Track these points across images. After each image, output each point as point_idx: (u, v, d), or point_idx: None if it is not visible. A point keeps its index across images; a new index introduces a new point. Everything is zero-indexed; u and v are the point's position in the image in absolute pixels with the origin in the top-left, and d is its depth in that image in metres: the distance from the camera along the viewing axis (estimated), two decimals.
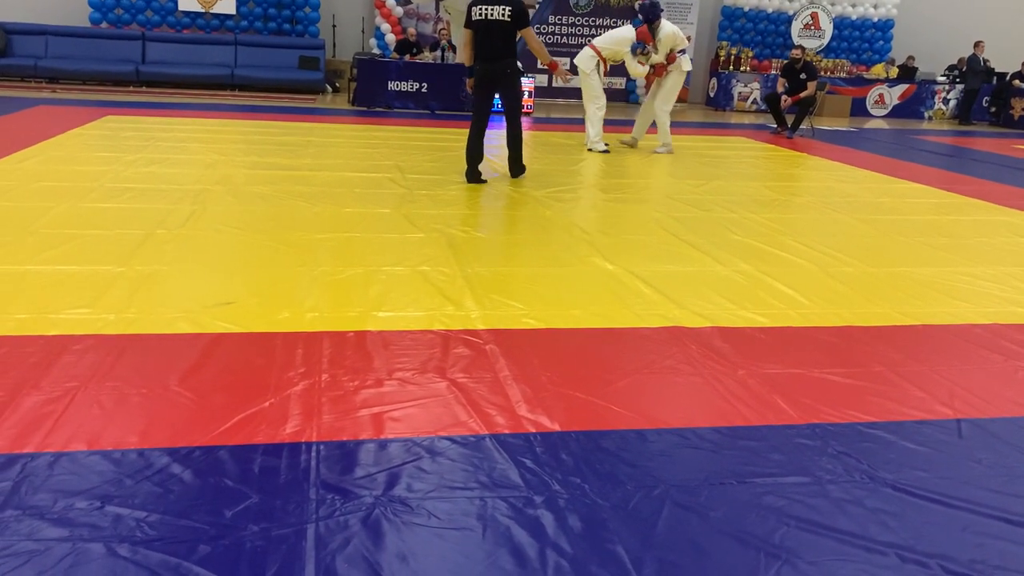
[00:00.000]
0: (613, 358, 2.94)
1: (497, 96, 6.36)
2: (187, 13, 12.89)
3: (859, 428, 2.49)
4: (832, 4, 15.41)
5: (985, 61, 14.45)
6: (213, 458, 2.11)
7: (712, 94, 15.15)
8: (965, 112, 14.81)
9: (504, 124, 6.43)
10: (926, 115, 15.30)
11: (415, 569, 1.73)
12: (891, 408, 2.65)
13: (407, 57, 11.95)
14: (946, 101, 15.29)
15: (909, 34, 15.81)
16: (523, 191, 6.01)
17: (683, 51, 8.34)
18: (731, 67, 14.87)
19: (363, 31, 13.85)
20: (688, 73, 8.68)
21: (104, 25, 12.60)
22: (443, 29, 12.64)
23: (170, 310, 3.16)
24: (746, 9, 15.20)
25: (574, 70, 8.39)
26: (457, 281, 3.71)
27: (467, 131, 6.32)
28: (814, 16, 15.27)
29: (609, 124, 8.96)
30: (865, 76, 15.26)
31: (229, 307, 3.22)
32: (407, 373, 2.70)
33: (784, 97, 10.50)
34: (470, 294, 3.54)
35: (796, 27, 15.30)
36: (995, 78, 14.99)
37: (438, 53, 12.21)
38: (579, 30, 14.35)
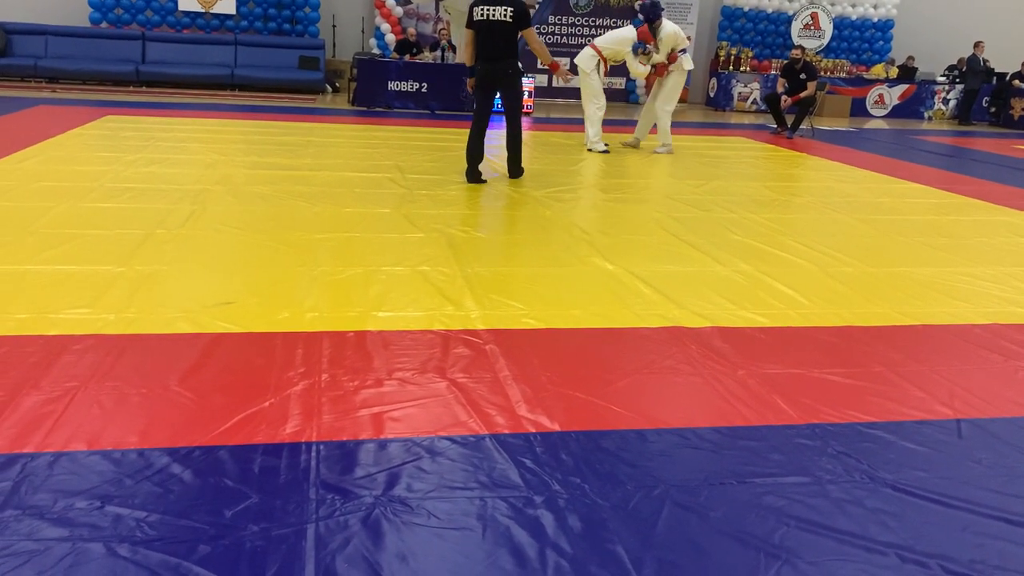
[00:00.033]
0: (613, 358, 2.94)
1: (498, 96, 6.37)
2: (187, 13, 12.89)
3: (859, 428, 2.49)
4: (832, 4, 15.41)
5: (985, 61, 14.46)
6: (213, 458, 2.11)
7: (712, 94, 15.15)
8: (965, 112, 14.81)
9: (504, 124, 6.43)
10: (926, 115, 15.30)
11: (415, 569, 1.73)
12: (891, 408, 2.65)
13: (407, 57, 11.95)
14: (946, 101, 15.29)
15: (909, 34, 15.81)
16: (523, 191, 6.01)
17: (684, 50, 8.34)
18: (731, 67, 14.87)
19: (363, 31, 13.85)
20: (688, 73, 8.67)
21: (104, 25, 12.60)
22: (443, 29, 12.64)
23: (170, 310, 3.16)
24: (746, 9, 15.20)
25: (574, 70, 8.38)
26: (457, 281, 3.71)
27: (467, 131, 6.32)
28: (814, 16, 15.27)
29: (609, 124, 8.96)
30: (865, 76, 15.27)
31: (229, 307, 3.22)
32: (407, 373, 2.70)
33: (784, 97, 10.50)
34: (470, 294, 3.54)
35: (796, 27, 15.30)
36: (995, 78, 14.99)
37: (438, 53, 12.21)
38: (579, 30, 14.36)
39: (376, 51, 13.38)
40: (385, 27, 13.46)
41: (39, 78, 11.91)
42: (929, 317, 3.57)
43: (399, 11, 13.47)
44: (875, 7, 15.62)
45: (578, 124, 9.35)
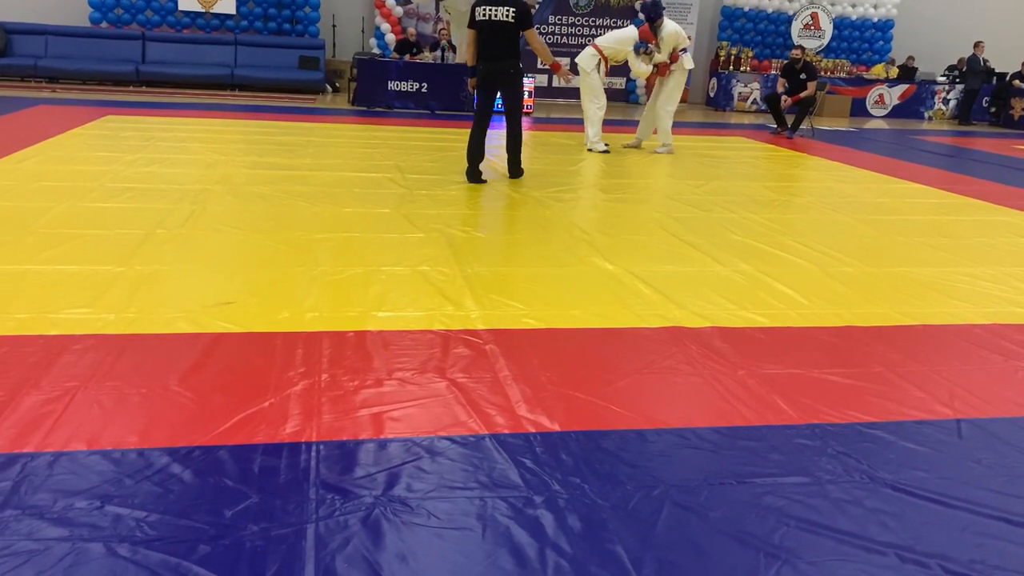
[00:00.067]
0: (613, 358, 2.94)
1: (498, 97, 6.38)
2: (187, 13, 12.89)
3: (859, 428, 2.49)
4: (832, 4, 15.41)
5: (985, 61, 14.46)
6: (213, 458, 2.11)
7: (712, 94, 15.15)
8: (965, 112, 14.81)
9: (504, 124, 6.44)
10: (926, 115, 15.30)
11: (415, 569, 1.73)
12: (891, 408, 2.65)
13: (407, 57, 11.95)
14: (946, 101, 15.29)
15: (909, 34, 15.81)
16: (523, 191, 6.01)
17: (684, 50, 8.33)
18: (731, 67, 14.87)
19: (363, 31, 13.85)
20: (689, 72, 8.67)
21: (104, 25, 12.60)
22: (443, 29, 12.64)
23: (170, 310, 3.16)
24: (746, 9, 15.20)
25: (575, 69, 8.37)
26: (457, 281, 3.71)
27: (467, 131, 6.32)
28: (814, 16, 15.27)
29: (609, 124, 8.95)
30: (865, 76, 15.27)
31: (229, 307, 3.22)
32: (407, 373, 2.70)
33: (784, 97, 10.50)
34: (470, 294, 3.54)
35: (796, 27, 15.30)
36: (995, 78, 14.99)
37: (438, 53, 12.21)
38: (579, 30, 14.37)
39: (376, 51, 13.38)
40: (385, 27, 13.46)
41: (39, 78, 11.91)
42: (929, 317, 3.57)
43: (399, 11, 13.47)
44: (875, 7, 15.62)
45: (578, 124, 9.36)
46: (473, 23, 6.13)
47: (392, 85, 11.41)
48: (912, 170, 8.21)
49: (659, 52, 8.18)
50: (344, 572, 1.70)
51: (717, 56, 15.12)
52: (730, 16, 15.24)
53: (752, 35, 15.38)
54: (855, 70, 15.49)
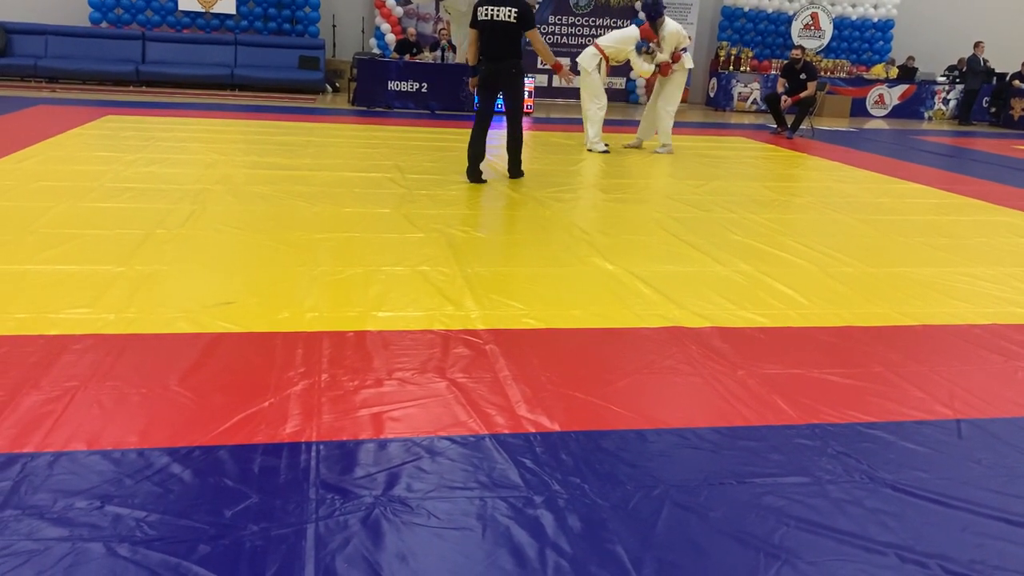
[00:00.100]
0: (613, 358, 2.94)
1: (499, 97, 6.39)
2: (187, 13, 12.89)
3: (859, 428, 2.49)
4: (832, 4, 15.41)
5: (985, 61, 14.46)
6: (213, 458, 2.11)
7: (712, 94, 15.15)
8: (965, 112, 14.81)
9: (505, 125, 6.44)
10: (926, 115, 15.30)
11: (415, 569, 1.73)
12: (891, 408, 2.65)
13: (407, 57, 11.95)
14: (946, 101, 15.29)
15: (909, 34, 15.81)
16: (523, 191, 6.01)
17: (684, 49, 8.33)
18: (731, 67, 14.87)
19: (363, 31, 13.85)
20: (689, 72, 8.66)
21: (104, 25, 12.59)
22: (443, 29, 12.64)
23: (170, 310, 3.16)
24: (746, 9, 15.20)
25: (575, 69, 8.36)
26: (457, 281, 3.71)
27: (467, 131, 6.33)
28: (814, 16, 15.27)
29: (609, 125, 8.95)
30: (865, 76, 15.27)
31: (229, 307, 3.22)
32: (407, 373, 2.70)
33: (784, 97, 10.50)
34: (470, 294, 3.54)
35: (796, 27, 15.30)
36: (995, 78, 14.99)
37: (438, 53, 12.21)
38: (579, 30, 14.37)
39: (376, 51, 13.38)
40: (385, 27, 13.46)
41: (39, 78, 11.91)
42: (929, 317, 3.57)
43: (399, 11, 13.47)
44: (875, 7, 15.62)
45: (578, 124, 9.36)
46: (475, 23, 6.14)
47: (392, 85, 11.41)
48: (912, 170, 8.21)
49: (661, 51, 8.17)
50: (344, 572, 1.70)
51: (717, 56, 15.11)
52: (730, 16, 15.24)
53: (752, 35, 15.38)
54: (855, 70, 15.49)
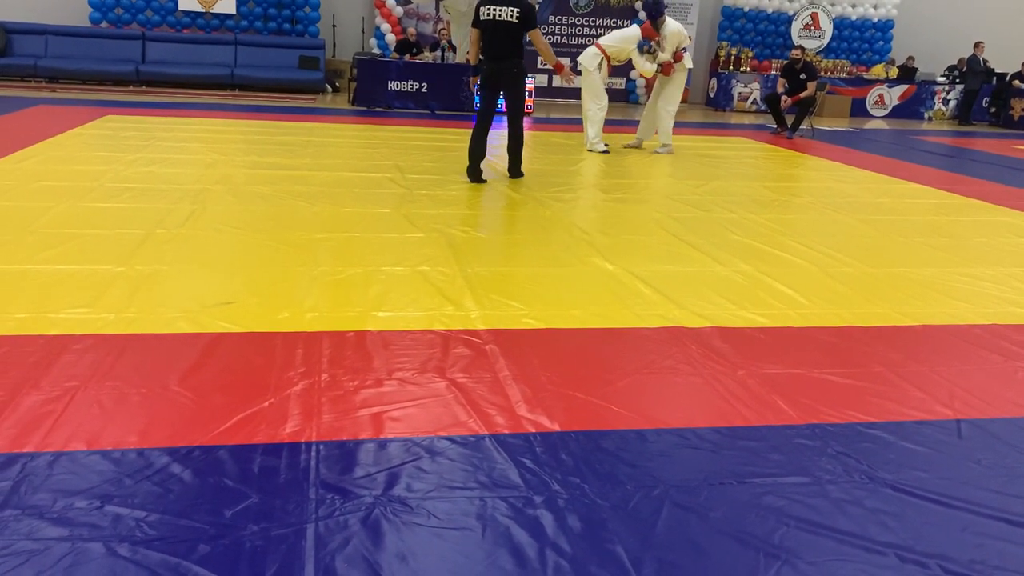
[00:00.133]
0: (613, 358, 2.94)
1: (500, 97, 6.39)
2: (187, 13, 12.89)
3: (859, 428, 2.49)
4: (832, 4, 15.41)
5: (985, 61, 14.46)
6: (213, 458, 2.11)
7: (712, 94, 15.15)
8: (965, 112, 14.82)
9: (505, 125, 6.44)
10: (926, 115, 15.30)
11: (415, 569, 1.73)
12: (891, 408, 2.65)
13: (407, 57, 11.95)
14: (946, 101, 15.29)
15: (909, 34, 15.81)
16: (523, 191, 6.01)
17: (685, 49, 8.33)
18: (731, 67, 14.87)
19: (363, 31, 13.85)
20: (688, 72, 8.65)
21: (104, 25, 12.60)
22: (443, 29, 12.64)
23: (170, 310, 3.16)
24: (746, 9, 15.20)
25: (576, 69, 8.35)
26: (457, 281, 3.71)
27: (467, 131, 6.33)
28: (814, 16, 15.27)
29: (609, 124, 8.94)
30: (865, 76, 15.27)
31: (229, 307, 3.22)
32: (407, 373, 2.70)
33: (784, 97, 10.50)
34: (470, 294, 3.54)
35: (796, 27, 15.30)
36: (995, 78, 14.99)
37: (438, 53, 12.21)
38: (579, 30, 14.37)
39: (376, 51, 13.38)
40: (385, 27, 13.47)
41: (39, 78, 11.91)
42: (929, 317, 3.57)
43: (399, 11, 13.47)
44: (875, 7, 15.62)
45: (578, 124, 9.36)
46: (477, 22, 6.15)
47: (392, 85, 11.41)
48: (912, 170, 8.21)
49: (662, 51, 8.17)
50: (344, 572, 1.70)
51: (717, 56, 15.12)
52: (730, 16, 15.24)
53: (752, 35, 15.38)
54: (855, 70, 15.49)
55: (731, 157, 8.61)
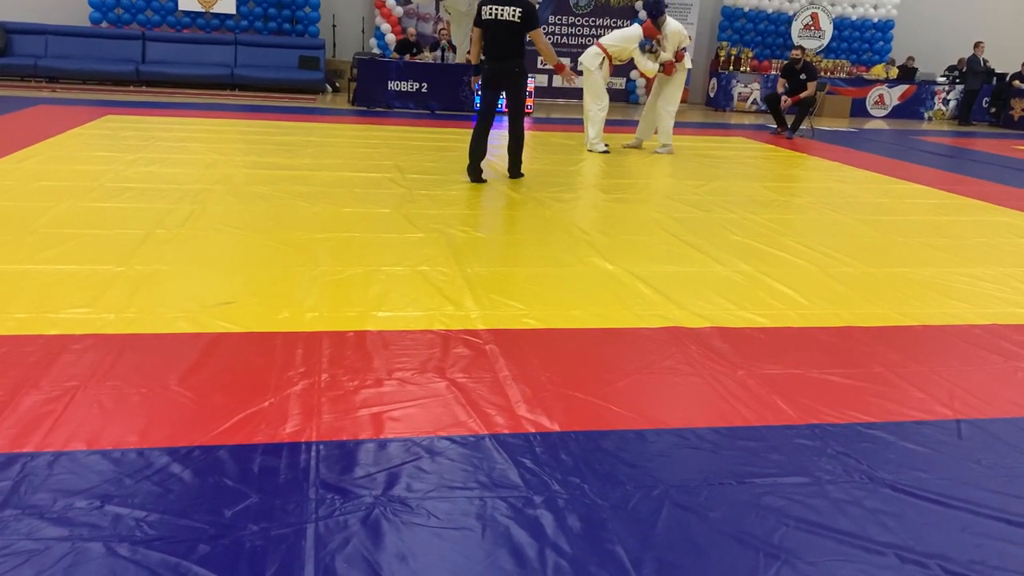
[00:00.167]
0: (613, 358, 2.94)
1: (501, 97, 6.39)
2: (187, 13, 12.89)
3: (859, 428, 2.49)
4: (832, 4, 15.41)
5: (985, 62, 14.46)
6: (213, 458, 2.11)
7: (712, 94, 15.15)
8: (965, 113, 14.82)
9: (506, 124, 6.44)
10: (926, 116, 15.30)
11: (415, 569, 1.73)
12: (891, 409, 2.65)
13: (407, 57, 11.95)
14: (946, 102, 15.29)
15: (909, 35, 15.81)
16: (523, 191, 6.01)
17: (685, 49, 8.33)
18: (731, 67, 14.87)
19: (363, 31, 13.85)
20: (688, 72, 8.65)
21: (104, 25, 12.59)
22: (443, 29, 12.64)
23: (170, 310, 3.16)
24: (746, 9, 15.20)
25: (576, 69, 8.34)
26: (457, 281, 3.71)
27: (467, 131, 6.33)
28: (814, 16, 15.27)
29: (609, 124, 8.94)
30: (865, 77, 15.27)
31: (229, 307, 3.22)
32: (407, 373, 2.70)
33: (784, 97, 10.50)
34: (470, 294, 3.54)
35: (796, 27, 15.30)
36: (995, 79, 14.99)
37: (438, 53, 12.21)
38: (579, 30, 14.37)
39: (376, 51, 13.38)
40: (385, 27, 13.46)
41: (39, 78, 11.90)
42: (929, 318, 3.57)
43: (399, 11, 13.47)
44: (875, 7, 15.62)
45: (578, 124, 9.36)
46: (479, 21, 6.15)
47: (392, 85, 11.41)
48: (912, 170, 8.21)
49: (664, 50, 8.16)
50: (344, 572, 1.70)
51: (717, 56, 15.11)
52: (730, 16, 15.24)
53: (752, 35, 15.38)
54: (855, 70, 15.49)
55: (731, 157, 8.61)
